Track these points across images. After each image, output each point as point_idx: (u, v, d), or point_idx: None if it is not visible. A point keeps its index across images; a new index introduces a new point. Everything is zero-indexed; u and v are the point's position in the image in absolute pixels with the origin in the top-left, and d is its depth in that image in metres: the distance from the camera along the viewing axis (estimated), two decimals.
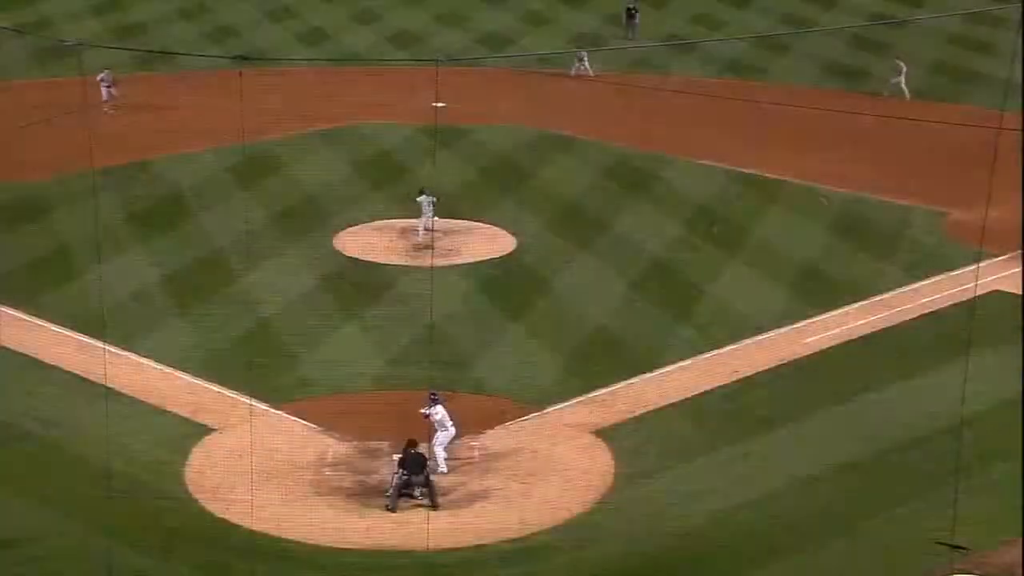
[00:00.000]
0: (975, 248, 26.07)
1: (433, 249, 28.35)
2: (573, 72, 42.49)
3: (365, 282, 27.87)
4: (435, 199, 29.35)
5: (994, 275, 27.00)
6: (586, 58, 42.17)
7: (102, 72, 38.04)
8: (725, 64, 44.19)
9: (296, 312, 26.27)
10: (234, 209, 30.63)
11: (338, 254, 29.21)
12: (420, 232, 29.58)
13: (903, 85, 39.86)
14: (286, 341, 24.93)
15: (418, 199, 29.33)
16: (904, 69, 39.87)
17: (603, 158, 35.12)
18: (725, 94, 39.60)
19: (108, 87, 37.96)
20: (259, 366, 23.33)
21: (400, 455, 19.75)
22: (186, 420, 21.90)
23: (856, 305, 26.43)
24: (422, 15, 51.07)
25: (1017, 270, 27.27)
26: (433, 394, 20.62)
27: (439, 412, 20.45)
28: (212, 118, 36.53)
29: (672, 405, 22.54)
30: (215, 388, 22.97)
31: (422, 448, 19.95)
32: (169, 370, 23.70)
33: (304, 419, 22.05)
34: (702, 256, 28.92)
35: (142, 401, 22.34)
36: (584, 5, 52.62)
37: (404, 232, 30.23)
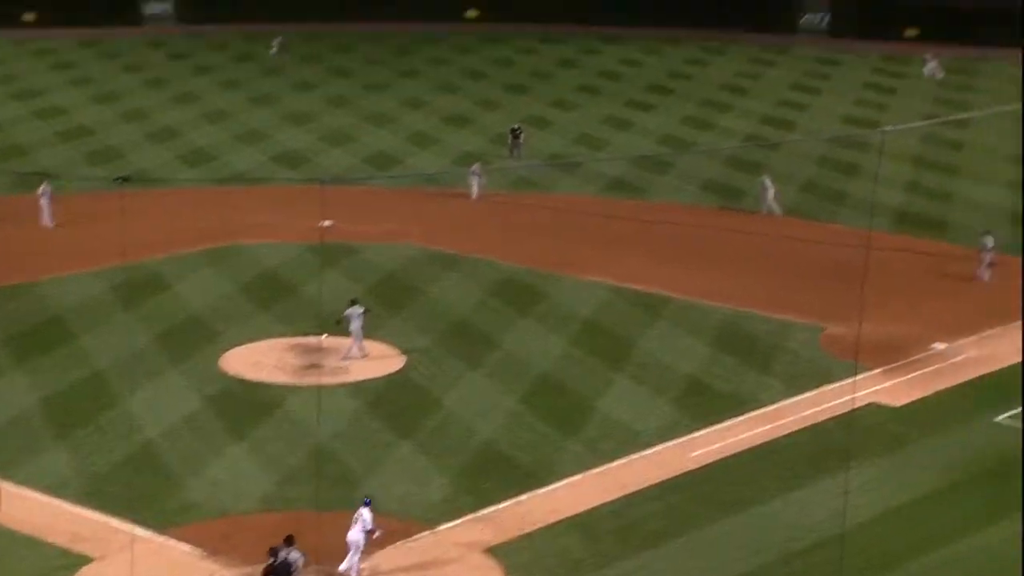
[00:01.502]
0: (851, 362, 27.30)
1: (320, 367, 28.42)
2: (475, 193, 42.66)
3: (251, 401, 27.66)
4: (364, 310, 29.41)
5: (870, 388, 27.92)
6: (479, 173, 42.59)
7: None
8: (608, 183, 45.46)
9: (180, 434, 25.93)
10: (116, 330, 30.36)
11: (224, 374, 29.02)
12: (354, 349, 29.43)
13: (773, 202, 41.16)
14: (170, 464, 24.58)
15: (347, 312, 29.25)
16: (770, 188, 41.07)
17: (491, 275, 35.66)
18: (609, 212, 40.71)
19: None
20: (141, 490, 23.14)
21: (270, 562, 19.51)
22: (64, 551, 21.34)
23: (740, 418, 27.09)
24: (308, 135, 51.54)
25: (893, 383, 28.73)
26: (367, 501, 21.33)
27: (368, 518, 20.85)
28: (94, 239, 36.35)
29: (562, 521, 22.74)
30: (95, 515, 22.46)
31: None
32: (47, 498, 23.12)
33: (189, 544, 21.66)
34: (590, 371, 29.37)
35: (17, 532, 21.76)
36: (469, 126, 53.76)
37: (291, 350, 30.15)
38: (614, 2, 75.19)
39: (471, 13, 77.14)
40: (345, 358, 29.49)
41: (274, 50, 66.94)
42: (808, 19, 73.95)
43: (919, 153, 48.76)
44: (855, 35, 70.38)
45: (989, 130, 51.58)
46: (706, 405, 27.63)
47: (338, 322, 29.28)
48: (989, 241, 35.22)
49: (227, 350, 30.13)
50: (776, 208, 41.21)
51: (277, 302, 33.20)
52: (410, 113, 56.06)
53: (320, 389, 26.51)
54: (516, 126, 48.87)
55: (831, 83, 62.77)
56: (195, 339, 30.74)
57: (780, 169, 45.83)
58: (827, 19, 73.62)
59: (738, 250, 37.68)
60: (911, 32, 70.02)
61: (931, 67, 62.12)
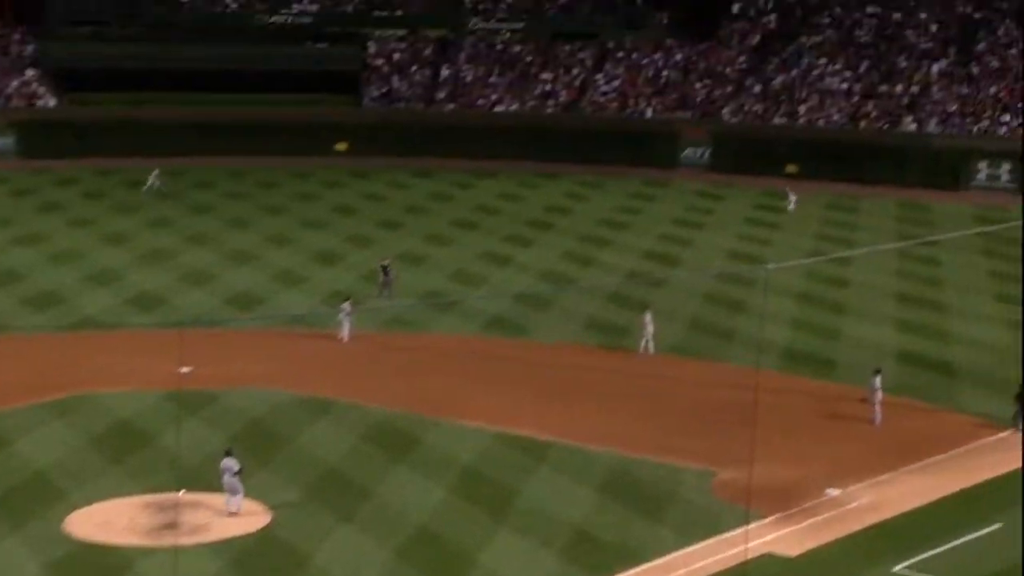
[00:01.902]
0: (744, 509, 27.53)
1: (178, 526, 27.62)
2: (345, 334, 42.54)
3: (99, 566, 26.63)
4: (239, 469, 28.92)
5: (764, 537, 28.08)
6: (350, 312, 42.58)
7: None
8: (487, 321, 45.70)
9: None
10: None
11: (68, 537, 27.93)
12: (233, 501, 28.89)
13: (650, 342, 41.65)
14: None
15: (222, 464, 28.81)
16: (649, 325, 41.62)
17: (363, 421, 35.27)
18: (488, 352, 40.95)
19: None
20: None
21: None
22: None
23: (629, 572, 26.89)
24: (165, 275, 50.95)
25: (787, 531, 28.81)
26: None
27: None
28: None
29: None
30: None
31: None
32: None
33: None
34: (470, 521, 29.06)
35: None
36: (339, 263, 53.89)
37: (145, 508, 29.24)
38: (488, 137, 77.39)
39: (340, 146, 78.25)
40: (231, 514, 28.93)
41: (153, 183, 66.47)
42: (688, 153, 76.59)
43: (805, 290, 50.23)
44: (736, 170, 73.09)
45: (871, 267, 53.52)
46: (594, 557, 27.39)
47: (237, 472, 28.76)
48: (878, 381, 36.00)
49: (73, 511, 29.05)
50: (651, 347, 41.73)
51: (130, 456, 32.28)
52: (276, 250, 55.97)
53: (177, 551, 25.73)
54: (385, 262, 49.16)
55: (713, 218, 64.73)
56: (37, 500, 29.58)
57: (665, 306, 46.77)
58: (707, 154, 76.45)
59: (624, 392, 38.01)
60: (791, 168, 73.05)
61: (792, 201, 65.24)
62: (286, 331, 43.82)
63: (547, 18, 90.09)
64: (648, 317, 42.03)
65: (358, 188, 70.35)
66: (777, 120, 76.88)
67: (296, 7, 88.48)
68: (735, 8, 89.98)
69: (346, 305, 43.04)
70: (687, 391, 38.16)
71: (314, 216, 63.18)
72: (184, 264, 52.92)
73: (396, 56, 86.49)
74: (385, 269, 48.54)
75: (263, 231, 59.48)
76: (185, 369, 34.24)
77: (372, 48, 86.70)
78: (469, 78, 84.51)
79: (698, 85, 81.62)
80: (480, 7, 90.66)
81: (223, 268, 52.46)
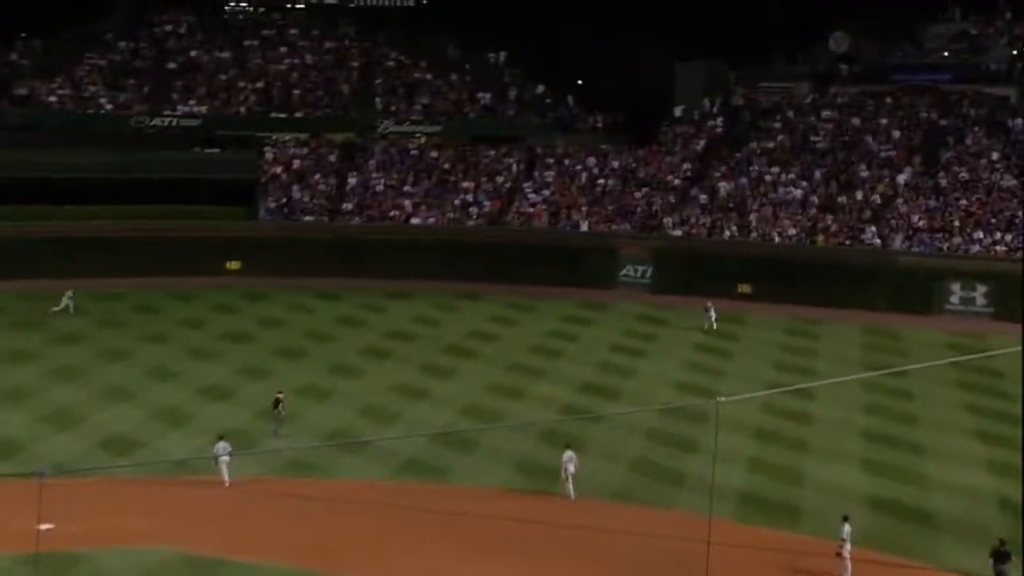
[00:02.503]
0: None
1: None
2: (226, 479, 42.23)
3: None
4: None
5: None
6: (224, 452, 42.10)
7: None
8: (401, 464, 45.39)
9: None
10: None
11: None
12: None
13: (570, 484, 41.76)
14: None
15: None
16: (570, 466, 41.72)
17: None
18: (401, 500, 40.52)
19: None
20: None
21: None
22: None
23: None
24: (23, 417, 50.03)
25: None
26: None
27: None
28: None
29: None
30: None
31: None
32: None
33: None
34: None
35: None
36: (230, 398, 53.57)
37: None
38: (402, 253, 78.23)
39: (232, 265, 78.09)
40: None
41: (66, 304, 66.76)
42: (628, 272, 77.57)
43: (762, 425, 50.55)
44: (681, 290, 74.02)
45: (836, 401, 54.02)
46: None
47: None
48: (846, 530, 36.06)
49: None
50: (571, 491, 41.77)
51: None
52: (156, 385, 55.44)
53: None
54: (278, 394, 49.08)
55: (657, 344, 65.20)
56: None
57: (604, 445, 46.65)
58: (649, 272, 77.40)
59: (558, 545, 37.72)
60: (744, 288, 74.23)
61: (712, 317, 66.83)
62: (168, 479, 43.07)
63: (468, 119, 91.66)
64: (568, 455, 41.99)
65: (253, 312, 70.17)
66: (726, 234, 77.74)
67: (181, 108, 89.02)
68: (677, 111, 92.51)
69: (221, 445, 42.59)
70: (630, 543, 37.89)
71: (201, 345, 62.69)
72: (47, 403, 51.99)
73: (297, 163, 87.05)
74: (278, 402, 48.36)
75: (142, 363, 58.83)
76: (45, 526, 33.28)
77: (269, 154, 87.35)
78: (380, 187, 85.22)
79: (637, 195, 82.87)
80: (392, 107, 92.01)
81: (94, 407, 51.62)
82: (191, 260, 76.87)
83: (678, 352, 63.17)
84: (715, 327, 66.79)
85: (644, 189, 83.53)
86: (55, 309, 67.55)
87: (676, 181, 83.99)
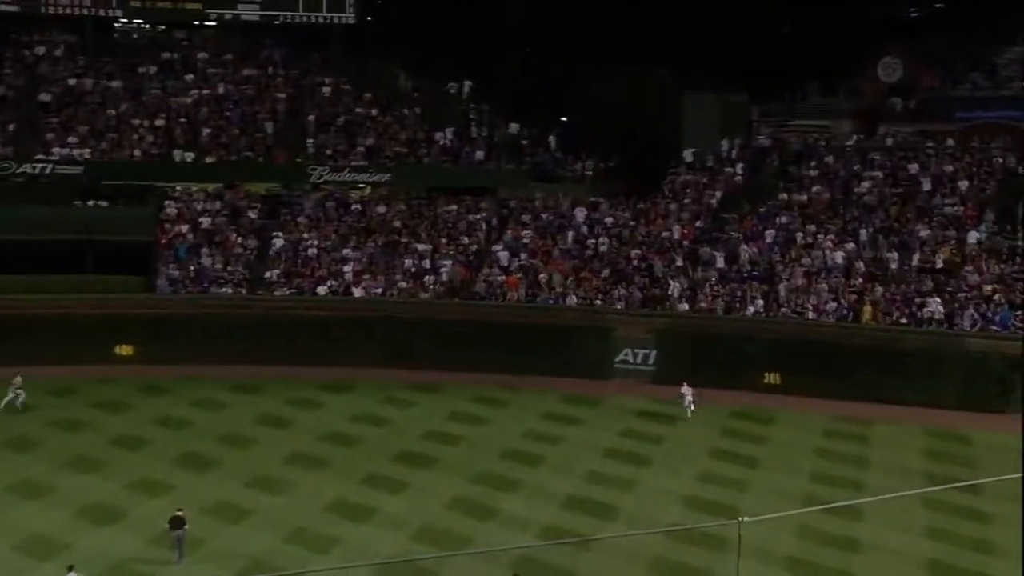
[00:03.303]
0: None
1: None
2: None
3: None
4: None
5: None
6: None
7: None
8: None
9: None
10: None
11: None
12: None
13: None
14: None
15: None
16: None
17: None
18: None
19: None
20: None
21: None
22: None
23: None
24: None
25: None
26: None
27: None
28: None
29: None
30: None
31: None
32: None
33: None
34: None
35: None
36: (117, 520, 53.12)
37: None
38: (341, 333, 78.26)
39: (123, 349, 77.63)
40: None
41: (13, 397, 66.97)
42: (626, 357, 77.69)
43: (796, 553, 50.29)
44: (693, 381, 72.70)
45: (889, 522, 53.63)
46: None
47: None
48: None
49: None
50: None
51: None
52: (23, 505, 54.73)
53: None
54: (178, 512, 48.94)
55: (663, 449, 64.93)
56: None
57: None
58: (652, 357, 77.48)
59: None
60: (771, 377, 74.47)
61: (689, 401, 68.49)
62: None
63: (423, 166, 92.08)
64: None
65: (149, 410, 69.62)
66: (749, 309, 77.85)
67: (58, 152, 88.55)
68: (686, 154, 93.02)
69: None
70: None
71: (82, 452, 62.06)
72: None
73: (206, 220, 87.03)
74: (175, 522, 48.32)
75: (6, 477, 58.14)
76: None
77: (171, 209, 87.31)
78: (313, 250, 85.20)
79: (637, 259, 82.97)
80: (328, 151, 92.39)
81: None
82: (70, 344, 76.16)
83: (689, 459, 62.87)
84: (689, 413, 67.83)
85: (645, 252, 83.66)
86: (4, 402, 67.29)
87: (685, 242, 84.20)
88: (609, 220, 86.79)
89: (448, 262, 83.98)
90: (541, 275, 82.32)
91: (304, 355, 77.79)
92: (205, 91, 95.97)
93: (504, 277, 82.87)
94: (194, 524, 49.51)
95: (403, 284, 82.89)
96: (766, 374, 74.59)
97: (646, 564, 49.17)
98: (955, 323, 74.26)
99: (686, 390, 69.30)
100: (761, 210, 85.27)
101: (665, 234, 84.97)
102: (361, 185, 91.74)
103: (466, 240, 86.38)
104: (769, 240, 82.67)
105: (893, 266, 78.71)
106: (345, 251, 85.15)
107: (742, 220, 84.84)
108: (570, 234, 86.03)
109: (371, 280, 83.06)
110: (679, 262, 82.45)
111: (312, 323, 79.16)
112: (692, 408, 68.99)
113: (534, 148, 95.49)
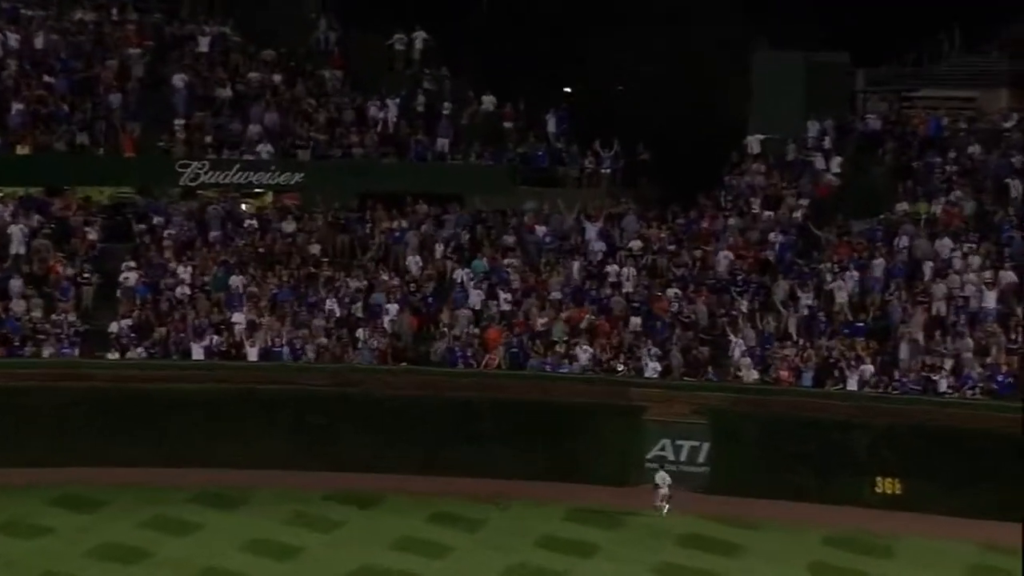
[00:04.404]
0: None
1: None
2: None
3: None
4: None
5: None
6: None
7: None
8: None
9: None
10: None
11: None
12: None
13: None
14: None
15: None
16: None
17: None
18: None
19: None
20: None
21: None
22: None
23: None
24: None
25: None
26: None
27: None
28: None
29: None
30: None
31: None
32: None
33: None
34: None
35: None
36: None
37: None
38: (211, 424, 78.72)
39: None
40: None
41: None
42: (663, 453, 77.85)
43: None
44: (762, 491, 74.88)
45: None
46: None
47: None
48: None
49: None
50: None
51: None
52: None
53: None
54: None
55: None
56: None
57: None
58: (704, 453, 77.63)
59: None
60: (887, 485, 74.72)
61: (662, 497, 70.98)
62: None
63: (354, 161, 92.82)
64: None
65: None
66: (851, 379, 77.78)
67: None
68: (753, 142, 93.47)
69: None
70: None
71: None
72: None
73: (16, 243, 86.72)
74: None
75: None
76: None
77: None
78: (184, 289, 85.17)
79: (678, 300, 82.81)
80: (207, 137, 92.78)
81: None
82: None
83: None
84: (665, 511, 69.98)
85: (691, 291, 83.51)
86: None
87: (752, 275, 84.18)
88: (636, 243, 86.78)
89: (392, 306, 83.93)
90: (536, 324, 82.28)
91: (172, 451, 77.84)
92: (13, 42, 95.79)
93: (476, 330, 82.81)
94: None
95: (323, 340, 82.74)
96: (879, 480, 74.51)
97: None
98: None
99: (661, 483, 71.26)
100: (868, 224, 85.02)
101: (722, 263, 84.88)
102: (259, 190, 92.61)
103: (419, 272, 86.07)
104: (881, 272, 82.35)
105: None
106: (234, 289, 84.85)
107: (840, 242, 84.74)
108: (576, 264, 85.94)
109: (274, 334, 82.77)
110: (743, 306, 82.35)
111: (182, 402, 79.06)
112: (666, 506, 70.50)
113: (522, 134, 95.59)
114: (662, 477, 71.79)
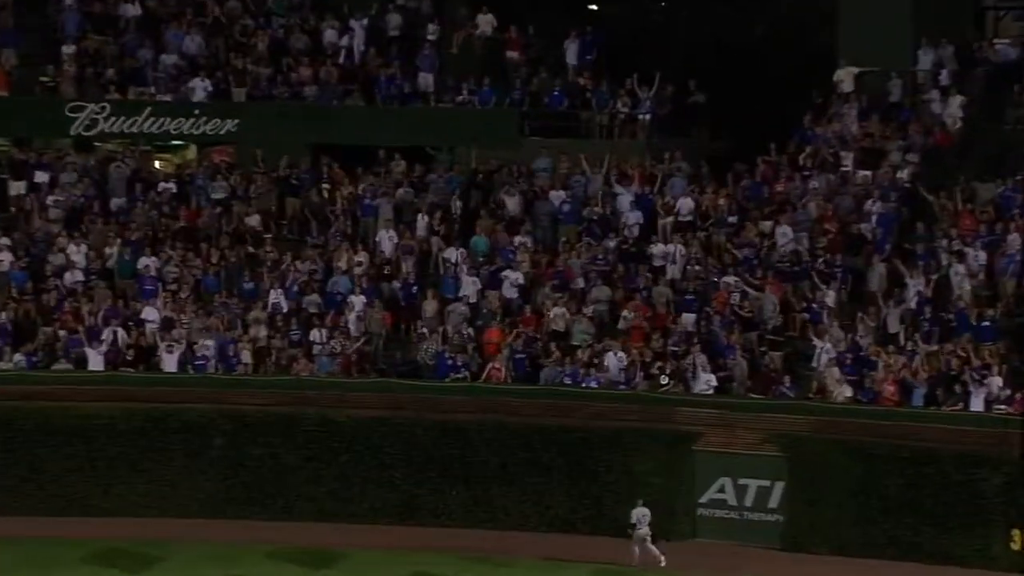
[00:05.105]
0: None
1: None
2: None
3: None
4: None
5: None
6: None
7: None
8: None
9: None
10: None
11: None
12: None
13: None
14: None
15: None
16: None
17: None
18: None
19: None
20: None
21: None
22: None
23: None
24: None
25: None
26: None
27: None
28: None
29: None
30: None
31: None
32: None
33: None
34: None
35: None
36: None
37: None
38: (116, 457, 78.53)
39: None
40: None
41: None
42: (721, 496, 77.77)
43: None
44: (857, 546, 74.28)
45: None
46: None
47: None
48: None
49: None
50: None
51: None
52: None
53: None
54: None
55: None
56: None
57: None
58: (774, 496, 76.91)
59: None
60: None
61: (640, 537, 71.41)
62: None
63: (304, 104, 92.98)
64: None
65: None
66: (978, 398, 76.35)
67: None
68: (843, 76, 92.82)
69: None
70: None
71: None
72: None
73: None
74: None
75: None
76: None
77: None
78: (76, 274, 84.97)
79: (738, 290, 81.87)
80: (107, 71, 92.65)
81: None
82: None
83: None
84: (663, 562, 70.36)
85: (756, 276, 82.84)
86: None
87: (839, 256, 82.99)
88: (685, 204, 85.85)
89: (358, 298, 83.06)
90: (549, 320, 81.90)
91: (60, 496, 77.81)
92: None
93: (472, 329, 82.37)
94: None
95: (264, 344, 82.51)
96: (1015, 533, 72.86)
97: None
98: None
99: (639, 518, 71.22)
100: (1001, 190, 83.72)
101: (799, 241, 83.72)
102: (177, 143, 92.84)
103: (394, 252, 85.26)
104: (1017, 251, 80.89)
105: None
106: (145, 273, 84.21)
107: (962, 211, 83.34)
108: (605, 242, 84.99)
109: (200, 336, 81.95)
110: (828, 297, 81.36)
111: (74, 428, 78.69)
112: (663, 557, 70.99)
113: (533, 67, 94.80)
114: (640, 513, 71.67)
